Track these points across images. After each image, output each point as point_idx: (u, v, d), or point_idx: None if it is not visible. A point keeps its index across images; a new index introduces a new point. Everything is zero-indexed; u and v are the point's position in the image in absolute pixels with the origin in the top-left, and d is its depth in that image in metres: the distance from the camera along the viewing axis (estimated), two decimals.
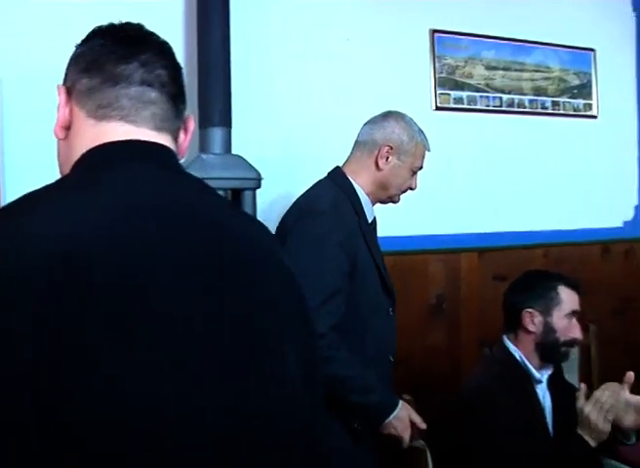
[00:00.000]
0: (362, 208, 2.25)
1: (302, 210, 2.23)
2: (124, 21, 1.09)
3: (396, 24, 3.28)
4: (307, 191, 2.32)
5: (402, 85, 3.27)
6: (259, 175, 2.63)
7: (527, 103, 3.64)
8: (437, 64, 3.37)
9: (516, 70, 3.62)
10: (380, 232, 2.44)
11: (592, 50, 3.89)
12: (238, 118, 2.73)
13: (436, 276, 3.36)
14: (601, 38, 3.91)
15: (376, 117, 2.35)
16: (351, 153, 2.36)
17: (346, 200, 2.22)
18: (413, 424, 2.14)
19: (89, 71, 1.04)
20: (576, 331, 2.31)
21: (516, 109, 3.61)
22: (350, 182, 2.27)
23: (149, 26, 1.12)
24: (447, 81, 3.40)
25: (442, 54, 3.39)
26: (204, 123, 2.66)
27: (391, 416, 2.10)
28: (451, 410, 2.30)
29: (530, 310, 2.30)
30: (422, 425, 2.15)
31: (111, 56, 1.03)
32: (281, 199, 2.85)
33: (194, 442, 0.94)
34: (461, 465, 2.19)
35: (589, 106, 3.87)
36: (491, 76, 3.52)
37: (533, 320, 2.29)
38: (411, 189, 2.33)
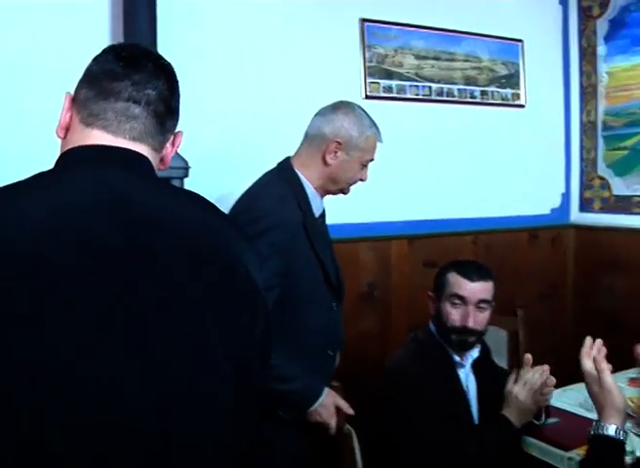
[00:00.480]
0: (309, 203, 2.23)
1: (244, 208, 2.20)
2: (133, 43, 1.26)
3: (326, 13, 3.28)
4: (253, 185, 2.28)
5: (332, 73, 3.28)
6: (186, 163, 2.61)
7: (456, 92, 3.69)
8: (367, 53, 3.39)
9: (446, 60, 3.66)
10: None
11: (520, 41, 3.96)
12: None
13: (367, 264, 3.39)
14: (529, 29, 3.99)
15: (326, 108, 2.29)
16: (301, 145, 2.31)
17: (292, 196, 2.19)
18: (340, 410, 2.16)
19: (89, 84, 1.18)
20: (464, 318, 2.28)
21: (445, 98, 3.66)
22: (298, 176, 2.24)
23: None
24: (377, 70, 3.42)
25: (372, 43, 3.41)
26: None
27: (316, 404, 2.12)
28: (375, 396, 2.32)
29: (430, 294, 2.41)
30: (349, 411, 2.17)
31: (110, 73, 1.17)
32: (211, 188, 2.82)
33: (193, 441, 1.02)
34: (388, 451, 2.22)
35: (517, 96, 3.95)
36: (420, 65, 3.56)
37: (432, 304, 2.39)
38: (362, 181, 2.32)
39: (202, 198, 1.23)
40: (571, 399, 2.49)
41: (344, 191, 2.33)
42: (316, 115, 2.30)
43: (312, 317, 2.21)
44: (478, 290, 2.30)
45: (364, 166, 2.29)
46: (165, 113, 1.21)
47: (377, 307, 3.41)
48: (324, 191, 2.30)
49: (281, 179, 2.24)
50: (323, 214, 2.36)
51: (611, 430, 1.64)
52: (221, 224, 1.21)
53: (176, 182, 2.58)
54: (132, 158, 1.16)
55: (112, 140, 1.16)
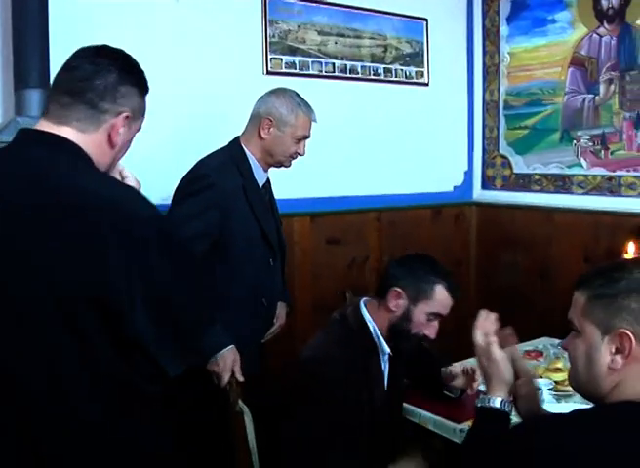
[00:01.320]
0: (251, 172, 2.57)
1: (189, 172, 2.52)
2: (100, 44, 1.51)
3: None
4: (207, 156, 2.59)
5: (233, 49, 3.23)
6: None
7: (360, 70, 3.69)
8: (269, 29, 3.35)
9: (350, 37, 3.65)
10: None
11: (425, 19, 3.99)
12: None
13: None
14: (434, 8, 4.03)
15: (265, 93, 2.63)
16: (246, 125, 2.64)
17: (234, 166, 2.54)
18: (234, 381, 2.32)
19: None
20: (430, 331, 2.22)
21: (349, 75, 3.65)
22: (243, 150, 2.59)
23: None
24: (279, 46, 3.39)
25: (275, 18, 3.37)
26: (19, 84, 2.56)
27: (217, 355, 2.32)
28: (296, 383, 2.23)
29: (398, 289, 2.20)
30: (240, 378, 2.32)
31: (62, 70, 1.47)
32: None
33: None
34: (298, 436, 2.14)
35: (421, 74, 3.98)
36: (324, 42, 3.54)
37: (398, 301, 2.20)
38: (299, 155, 2.64)
39: (106, 175, 1.48)
40: None
41: (284, 164, 2.65)
42: (257, 100, 2.63)
43: (248, 270, 2.51)
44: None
45: (298, 141, 2.60)
46: (96, 100, 1.43)
47: None
48: (265, 163, 2.63)
49: (227, 152, 2.59)
50: (267, 186, 2.70)
51: (496, 402, 1.66)
52: (113, 193, 1.39)
53: None
54: (53, 140, 1.41)
55: (45, 125, 1.43)
